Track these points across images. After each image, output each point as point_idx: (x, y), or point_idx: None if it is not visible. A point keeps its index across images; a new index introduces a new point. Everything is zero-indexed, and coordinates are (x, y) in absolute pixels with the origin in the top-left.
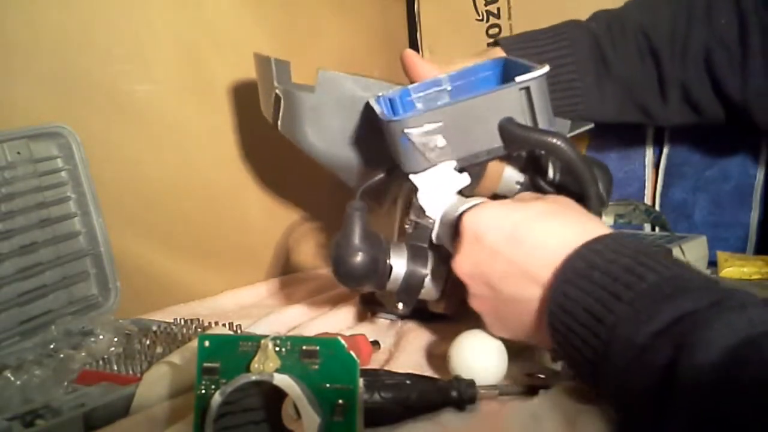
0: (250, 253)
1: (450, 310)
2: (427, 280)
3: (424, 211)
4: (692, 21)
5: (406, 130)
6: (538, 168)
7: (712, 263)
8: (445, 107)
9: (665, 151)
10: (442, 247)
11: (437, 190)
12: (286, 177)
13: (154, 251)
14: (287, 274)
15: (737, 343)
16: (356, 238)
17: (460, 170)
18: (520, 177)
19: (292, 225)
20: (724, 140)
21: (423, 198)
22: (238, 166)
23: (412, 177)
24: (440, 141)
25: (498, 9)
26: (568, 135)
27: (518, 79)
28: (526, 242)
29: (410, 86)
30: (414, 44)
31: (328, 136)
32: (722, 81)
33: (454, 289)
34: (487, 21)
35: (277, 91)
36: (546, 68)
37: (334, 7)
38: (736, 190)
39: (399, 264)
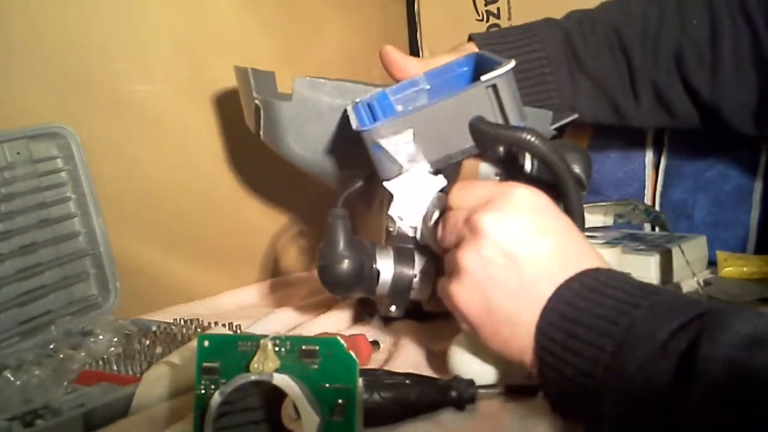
0: (250, 254)
1: (444, 308)
2: (416, 280)
3: (401, 218)
4: (664, 19)
5: (376, 139)
6: (515, 162)
7: (712, 263)
8: (415, 113)
9: (665, 151)
10: (428, 247)
11: (413, 195)
12: (287, 177)
13: (154, 251)
14: (287, 274)
15: (758, 332)
16: (340, 246)
17: (436, 172)
18: (497, 169)
19: (292, 225)
20: (724, 140)
21: (399, 204)
22: (238, 166)
23: (386, 184)
24: (412, 147)
25: (498, 9)
26: (552, 126)
27: (484, 78)
28: (538, 254)
29: (387, 89)
30: (414, 44)
31: (309, 144)
32: (692, 79)
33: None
34: (487, 21)
35: (256, 101)
36: (512, 64)
37: (334, 7)
38: (736, 190)
39: (386, 267)
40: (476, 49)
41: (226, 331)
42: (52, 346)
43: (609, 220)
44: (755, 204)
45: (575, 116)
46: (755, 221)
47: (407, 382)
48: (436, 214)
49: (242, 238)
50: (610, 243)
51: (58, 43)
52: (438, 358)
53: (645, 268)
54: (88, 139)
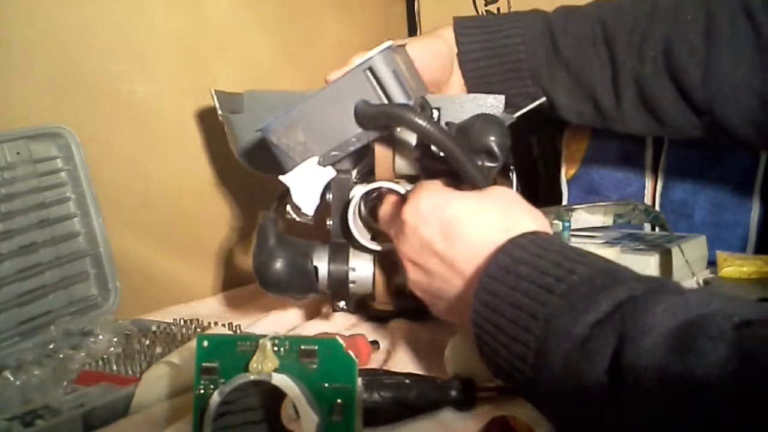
0: (250, 254)
1: (387, 302)
2: (353, 274)
3: (299, 209)
4: (655, 14)
5: (271, 138)
6: (429, 150)
7: (712, 263)
8: (299, 108)
9: (665, 151)
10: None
11: (306, 186)
12: None
13: (154, 251)
14: None
15: (678, 325)
16: (271, 245)
17: (335, 162)
18: (414, 155)
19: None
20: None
21: (296, 196)
22: (238, 165)
23: (281, 178)
24: (302, 141)
25: (498, 9)
26: (517, 114)
27: (356, 61)
28: (458, 238)
29: None
30: None
31: (261, 153)
32: (682, 77)
33: (384, 279)
34: None
35: (220, 117)
36: (388, 44)
37: (334, 7)
38: (736, 190)
39: (323, 264)
40: (452, 34)
41: (225, 331)
42: (52, 346)
43: (609, 220)
44: (755, 204)
45: (543, 100)
46: (755, 221)
47: (407, 381)
48: (354, 207)
49: (242, 238)
50: (610, 243)
51: (58, 43)
52: (437, 358)
53: (644, 268)
54: (88, 139)
